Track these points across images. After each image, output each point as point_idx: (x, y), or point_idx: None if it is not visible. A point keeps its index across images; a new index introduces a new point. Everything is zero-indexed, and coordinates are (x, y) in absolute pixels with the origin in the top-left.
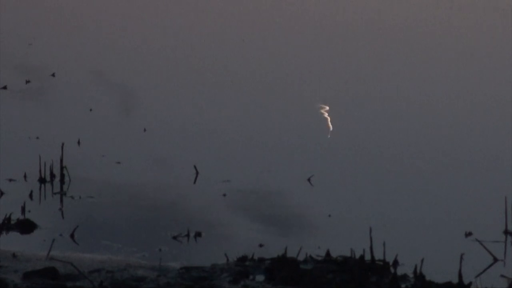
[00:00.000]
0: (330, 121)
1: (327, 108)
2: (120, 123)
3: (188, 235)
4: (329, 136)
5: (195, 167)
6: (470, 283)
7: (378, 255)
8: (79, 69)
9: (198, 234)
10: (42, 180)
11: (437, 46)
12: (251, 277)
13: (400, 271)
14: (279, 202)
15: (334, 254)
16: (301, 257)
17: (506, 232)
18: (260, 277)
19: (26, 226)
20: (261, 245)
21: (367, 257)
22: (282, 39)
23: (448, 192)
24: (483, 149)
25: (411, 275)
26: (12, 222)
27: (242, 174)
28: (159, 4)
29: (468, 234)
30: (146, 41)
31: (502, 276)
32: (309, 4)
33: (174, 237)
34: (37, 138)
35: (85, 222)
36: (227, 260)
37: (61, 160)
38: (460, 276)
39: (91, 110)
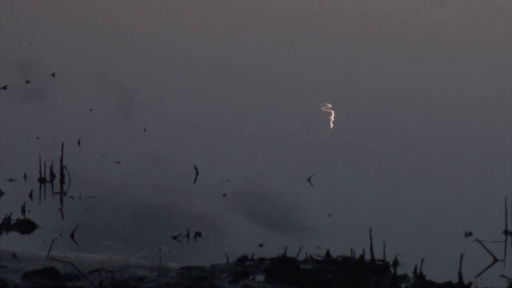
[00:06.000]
0: (331, 120)
1: (329, 105)
2: (120, 123)
3: (188, 235)
4: (330, 128)
5: (195, 167)
6: (470, 283)
7: (378, 255)
8: (79, 69)
9: (198, 234)
10: (42, 180)
11: (439, 46)
12: (251, 277)
13: (400, 271)
14: (279, 202)
15: (334, 254)
16: (301, 257)
17: (506, 232)
18: (260, 277)
19: (26, 226)
20: (261, 245)
21: (367, 257)
22: (282, 38)
23: (448, 192)
24: (483, 149)
25: (411, 275)
26: (12, 222)
27: (242, 174)
28: (159, 4)
29: (468, 234)
30: (146, 41)
31: (502, 276)
32: (310, 3)
33: (174, 237)
34: (37, 138)
35: (85, 222)
36: (227, 260)
37: (61, 160)
38: (460, 276)
39: (91, 110)
